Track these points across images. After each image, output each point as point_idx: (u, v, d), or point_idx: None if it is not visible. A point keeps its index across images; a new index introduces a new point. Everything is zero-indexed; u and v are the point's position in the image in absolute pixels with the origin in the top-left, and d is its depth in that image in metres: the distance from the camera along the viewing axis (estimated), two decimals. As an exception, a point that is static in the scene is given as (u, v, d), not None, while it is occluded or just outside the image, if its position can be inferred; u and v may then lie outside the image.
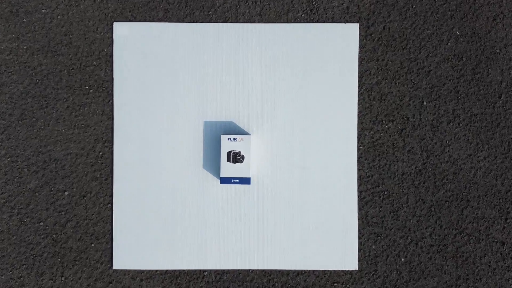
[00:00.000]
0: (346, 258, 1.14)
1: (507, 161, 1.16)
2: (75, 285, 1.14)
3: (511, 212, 1.15)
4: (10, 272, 1.15)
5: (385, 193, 1.16)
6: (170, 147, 1.15)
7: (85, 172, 1.16)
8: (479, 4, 1.18)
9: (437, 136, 1.17)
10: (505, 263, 1.15)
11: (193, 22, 1.16)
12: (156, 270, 1.14)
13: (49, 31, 1.17)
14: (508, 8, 1.18)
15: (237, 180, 1.09)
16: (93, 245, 1.15)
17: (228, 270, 1.14)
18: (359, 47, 1.17)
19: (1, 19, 1.17)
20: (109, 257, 1.15)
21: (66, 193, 1.16)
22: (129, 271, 1.14)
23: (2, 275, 1.15)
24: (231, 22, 1.16)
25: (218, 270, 1.14)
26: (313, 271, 1.14)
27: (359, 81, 1.17)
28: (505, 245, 1.15)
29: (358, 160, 1.16)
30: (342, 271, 1.14)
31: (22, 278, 1.15)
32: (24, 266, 1.15)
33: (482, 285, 1.15)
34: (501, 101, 1.17)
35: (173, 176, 1.14)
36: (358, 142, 1.16)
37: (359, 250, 1.15)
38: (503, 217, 1.15)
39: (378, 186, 1.16)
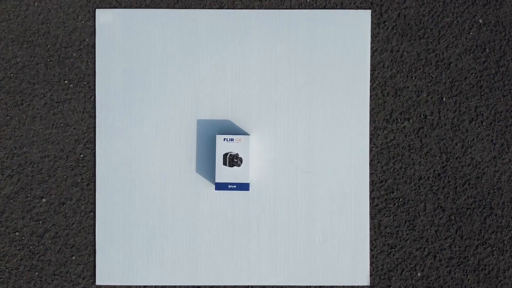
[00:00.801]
0: (357, 273, 1.03)
1: None
2: (54, 302, 1.04)
3: None
4: None
5: (400, 200, 1.06)
6: (159, 149, 1.04)
7: (65, 176, 1.05)
8: None
9: (458, 136, 1.06)
10: None
11: (185, 8, 1.06)
12: (144, 286, 1.04)
13: (25, 19, 1.07)
14: None
15: (234, 186, 0.99)
16: (74, 257, 1.05)
17: (225, 286, 1.04)
18: (371, 36, 1.06)
19: (-28, 6, 1.06)
20: (92, 271, 1.05)
21: (44, 199, 1.06)
22: (114, 287, 1.04)
23: None
24: (228, 8, 1.05)
25: (214, 286, 1.04)
26: (320, 287, 1.04)
27: (372, 74, 1.06)
28: None
29: (370, 163, 1.05)
30: (353, 287, 1.04)
31: None
32: None
33: None
34: None
35: (163, 181, 1.04)
36: (370, 143, 1.06)
37: (371, 263, 1.05)
38: None
39: (393, 192, 1.06)
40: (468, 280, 1.05)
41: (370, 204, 1.05)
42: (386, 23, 1.07)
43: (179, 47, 1.04)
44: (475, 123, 1.06)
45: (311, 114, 1.04)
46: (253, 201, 1.04)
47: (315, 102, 1.04)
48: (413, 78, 1.06)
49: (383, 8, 1.06)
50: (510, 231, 1.06)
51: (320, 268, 1.03)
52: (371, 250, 1.05)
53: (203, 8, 1.05)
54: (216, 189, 0.99)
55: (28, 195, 1.05)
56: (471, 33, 1.07)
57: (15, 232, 1.05)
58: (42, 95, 1.05)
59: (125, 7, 1.05)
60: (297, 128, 1.04)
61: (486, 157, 1.06)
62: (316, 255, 1.03)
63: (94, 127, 1.05)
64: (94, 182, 1.05)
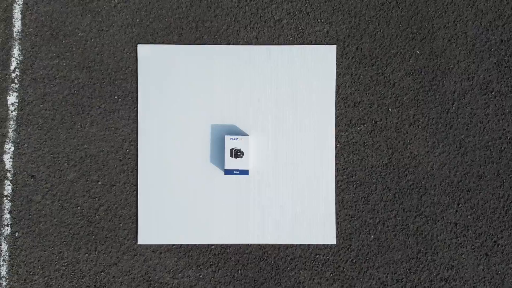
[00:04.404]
0: (326, 235, 1.38)
1: (458, 157, 1.40)
2: (106, 258, 1.39)
3: (462, 199, 1.39)
4: (52, 248, 1.39)
5: (358, 182, 1.40)
6: (183, 145, 1.39)
7: (115, 165, 1.40)
8: (436, 27, 1.41)
9: (400, 136, 1.40)
10: (458, 241, 1.38)
11: (202, 44, 1.41)
12: (173, 245, 1.38)
13: (84, 51, 1.41)
14: (461, 30, 1.41)
15: (238, 172, 1.33)
16: (121, 225, 1.39)
17: (231, 244, 1.39)
18: (337, 64, 1.41)
19: (43, 41, 1.41)
20: (134, 234, 1.39)
21: (99, 182, 1.40)
22: (150, 245, 1.39)
23: (44, 251, 1.39)
24: (233, 44, 1.41)
25: (223, 244, 1.39)
26: (300, 245, 1.39)
27: (337, 92, 1.41)
28: (458, 225, 1.38)
29: (335, 156, 1.40)
30: (323, 245, 1.39)
31: (61, 253, 1.39)
32: (64, 243, 1.39)
33: (439, 258, 1.38)
34: (453, 108, 1.40)
35: (186, 168, 1.39)
36: (335, 141, 1.40)
37: (337, 228, 1.39)
38: (455, 203, 1.39)
39: (352, 177, 1.40)
40: (409, 241, 1.38)
41: (335, 185, 1.39)
42: (347, 54, 1.42)
43: (198, 72, 1.40)
44: (413, 127, 1.41)
45: (293, 121, 1.39)
46: (251, 183, 1.39)
47: (295, 112, 1.40)
48: (367, 94, 1.41)
49: (345, 43, 1.42)
50: (440, 206, 1.39)
51: (300, 231, 1.38)
52: (336, 218, 1.39)
53: (215, 44, 1.41)
54: (225, 174, 1.34)
55: (87, 179, 1.40)
56: (410, 61, 1.41)
57: (77, 207, 1.40)
58: (98, 107, 1.41)
59: (158, 43, 1.41)
60: (283, 131, 1.39)
61: (422, 152, 1.40)
62: (296, 222, 1.38)
63: (137, 130, 1.40)
64: (137, 169, 1.40)
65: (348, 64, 1.41)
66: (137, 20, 1.41)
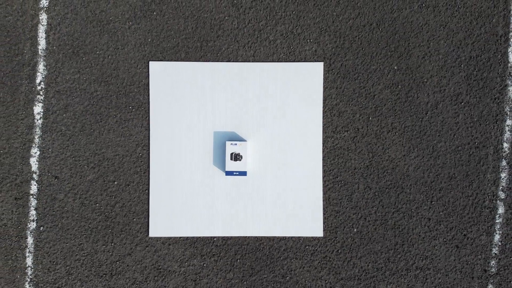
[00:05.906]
0: (315, 228, 1.57)
1: (432, 160, 1.58)
2: (121, 249, 1.57)
3: (435, 197, 1.57)
4: (73, 241, 1.57)
5: (342, 182, 1.58)
6: (190, 150, 1.58)
7: (129, 167, 1.58)
8: (412, 46, 1.59)
9: (380, 141, 1.59)
10: (431, 234, 1.56)
11: (206, 61, 1.60)
12: (180, 237, 1.57)
13: (102, 66, 1.60)
14: (434, 48, 1.59)
15: (237, 173, 1.52)
16: (134, 219, 1.58)
17: (231, 236, 1.57)
18: (324, 79, 1.59)
19: (66, 57, 1.60)
20: (146, 228, 1.57)
21: (115, 182, 1.58)
22: (160, 238, 1.57)
23: (66, 243, 1.57)
24: (233, 61, 1.60)
25: (224, 236, 1.57)
26: (291, 237, 1.57)
27: (323, 103, 1.59)
28: (431, 220, 1.56)
29: (323, 159, 1.58)
30: (312, 237, 1.57)
31: (82, 245, 1.57)
32: (84, 236, 1.57)
33: (414, 249, 1.56)
34: (427, 117, 1.59)
35: (192, 170, 1.57)
36: (323, 146, 1.58)
37: (324, 222, 1.57)
38: (429, 200, 1.57)
39: (337, 177, 1.58)
40: (388, 234, 1.57)
41: (323, 185, 1.57)
42: (333, 70, 1.60)
43: (203, 86, 1.59)
44: (391, 133, 1.59)
45: (285, 128, 1.58)
46: (249, 183, 1.57)
47: (288, 120, 1.58)
48: (350, 105, 1.60)
49: (331, 61, 1.60)
50: (415, 203, 1.57)
51: (291, 225, 1.57)
52: (324, 214, 1.57)
53: (218, 61, 1.59)
54: (226, 175, 1.52)
55: (105, 180, 1.59)
56: (389, 75, 1.60)
57: (95, 204, 1.58)
58: (114, 116, 1.60)
59: (168, 60, 1.60)
60: (277, 137, 1.58)
61: (399, 155, 1.59)
62: (288, 217, 1.57)
63: (149, 137, 1.59)
64: (149, 171, 1.58)
65: (333, 78, 1.60)
66: (149, 40, 1.60)
